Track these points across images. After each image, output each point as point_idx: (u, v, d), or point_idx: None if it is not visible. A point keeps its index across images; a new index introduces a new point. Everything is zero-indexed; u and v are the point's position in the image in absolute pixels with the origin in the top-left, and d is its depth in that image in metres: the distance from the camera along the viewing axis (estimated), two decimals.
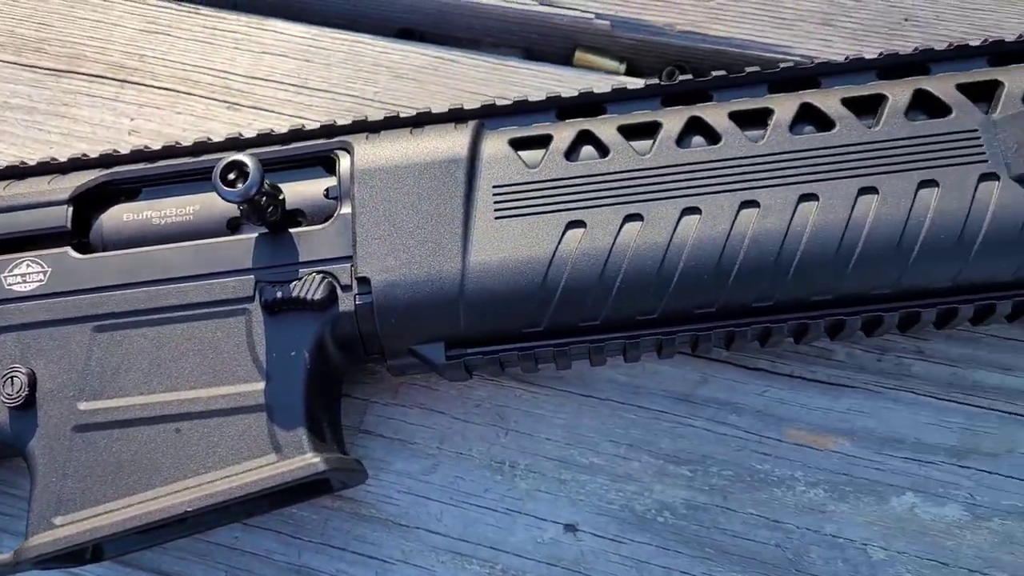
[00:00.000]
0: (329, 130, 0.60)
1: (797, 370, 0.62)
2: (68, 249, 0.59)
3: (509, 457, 0.61)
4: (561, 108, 0.59)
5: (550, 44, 0.74)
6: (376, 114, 0.60)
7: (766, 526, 0.58)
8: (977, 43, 0.57)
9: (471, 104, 0.59)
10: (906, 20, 0.66)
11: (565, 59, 0.73)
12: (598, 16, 0.70)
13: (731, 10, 0.69)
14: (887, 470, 0.59)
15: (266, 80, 0.73)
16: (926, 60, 0.57)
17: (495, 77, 0.70)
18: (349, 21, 0.76)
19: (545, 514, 0.60)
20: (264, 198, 0.54)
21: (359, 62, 0.72)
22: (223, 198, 0.52)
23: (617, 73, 0.72)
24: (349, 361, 0.58)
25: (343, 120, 0.60)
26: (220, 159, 0.53)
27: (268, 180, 0.54)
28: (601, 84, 0.59)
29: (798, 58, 0.67)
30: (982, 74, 0.56)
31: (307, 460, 0.53)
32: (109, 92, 0.74)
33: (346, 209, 0.56)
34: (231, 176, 0.52)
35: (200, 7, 0.76)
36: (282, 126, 0.62)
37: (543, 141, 0.57)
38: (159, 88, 0.74)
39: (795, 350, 0.62)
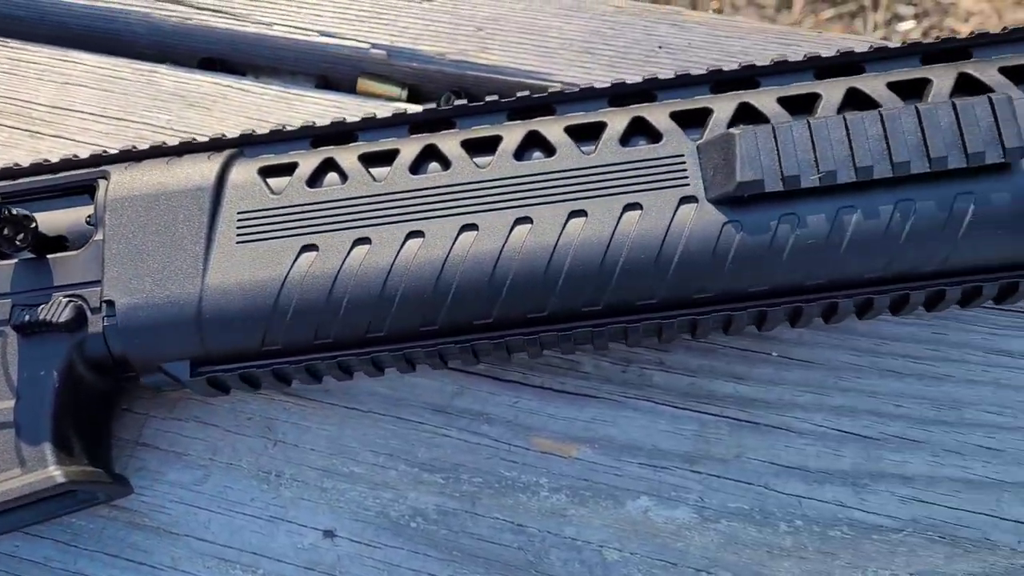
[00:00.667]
0: (97, 159, 0.63)
1: (547, 381, 0.65)
2: None
3: (276, 467, 0.65)
4: (315, 136, 0.62)
5: (338, 72, 0.77)
6: (171, 141, 0.63)
7: (511, 530, 0.62)
8: (699, 72, 0.60)
9: (231, 133, 0.62)
10: (660, 48, 0.69)
11: (354, 87, 0.76)
12: (374, 46, 0.74)
13: (498, 39, 0.72)
14: (625, 475, 0.62)
15: (67, 109, 0.76)
16: (651, 88, 0.61)
17: (281, 105, 0.73)
18: (159, 52, 0.79)
19: (306, 521, 0.63)
20: (7, 226, 0.57)
21: (155, 91, 0.75)
22: None
23: (399, 99, 0.75)
24: (105, 380, 0.61)
25: (114, 149, 0.63)
26: None
27: (17, 209, 0.58)
28: (356, 112, 0.62)
29: (559, 85, 0.70)
30: (695, 102, 0.59)
31: (48, 473, 0.56)
32: None
33: (100, 235, 0.60)
34: None
35: (8, 40, 0.79)
36: (83, 153, 0.65)
37: (290, 169, 0.60)
38: None
39: (546, 362, 0.65)
